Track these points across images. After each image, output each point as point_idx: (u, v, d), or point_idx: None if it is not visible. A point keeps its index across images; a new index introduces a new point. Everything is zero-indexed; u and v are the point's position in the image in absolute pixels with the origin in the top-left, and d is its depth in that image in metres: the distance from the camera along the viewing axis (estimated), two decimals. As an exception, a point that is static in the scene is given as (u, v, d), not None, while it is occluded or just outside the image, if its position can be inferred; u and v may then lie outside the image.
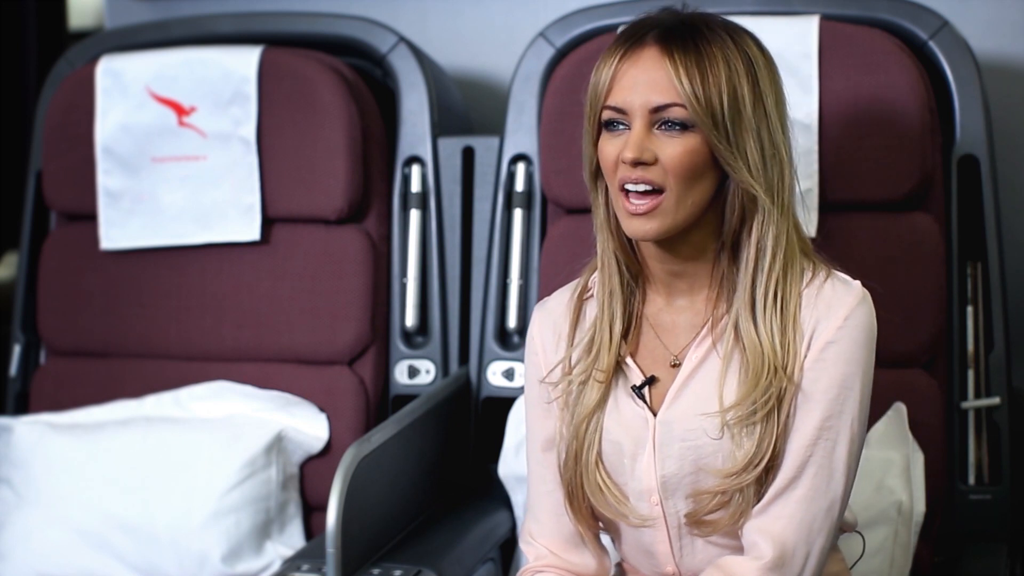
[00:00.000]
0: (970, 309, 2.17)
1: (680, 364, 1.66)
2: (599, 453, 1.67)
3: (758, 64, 1.60)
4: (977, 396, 2.16)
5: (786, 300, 1.61)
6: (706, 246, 1.64)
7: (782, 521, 1.60)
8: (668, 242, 1.63)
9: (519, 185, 2.36)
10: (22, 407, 2.55)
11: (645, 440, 1.65)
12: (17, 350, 2.58)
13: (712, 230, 1.63)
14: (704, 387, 1.63)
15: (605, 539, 1.79)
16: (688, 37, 1.58)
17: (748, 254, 1.61)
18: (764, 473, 1.60)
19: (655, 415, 1.65)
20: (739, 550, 1.65)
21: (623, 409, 1.67)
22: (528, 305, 2.33)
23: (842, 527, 1.71)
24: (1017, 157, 2.43)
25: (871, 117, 2.11)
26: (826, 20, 2.15)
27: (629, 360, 1.67)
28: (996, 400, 2.14)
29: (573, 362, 1.70)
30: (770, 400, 1.59)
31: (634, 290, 1.69)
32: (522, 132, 2.36)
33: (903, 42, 2.17)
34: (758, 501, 1.61)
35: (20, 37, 3.87)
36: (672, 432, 1.63)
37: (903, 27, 2.19)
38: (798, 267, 1.63)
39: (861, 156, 2.11)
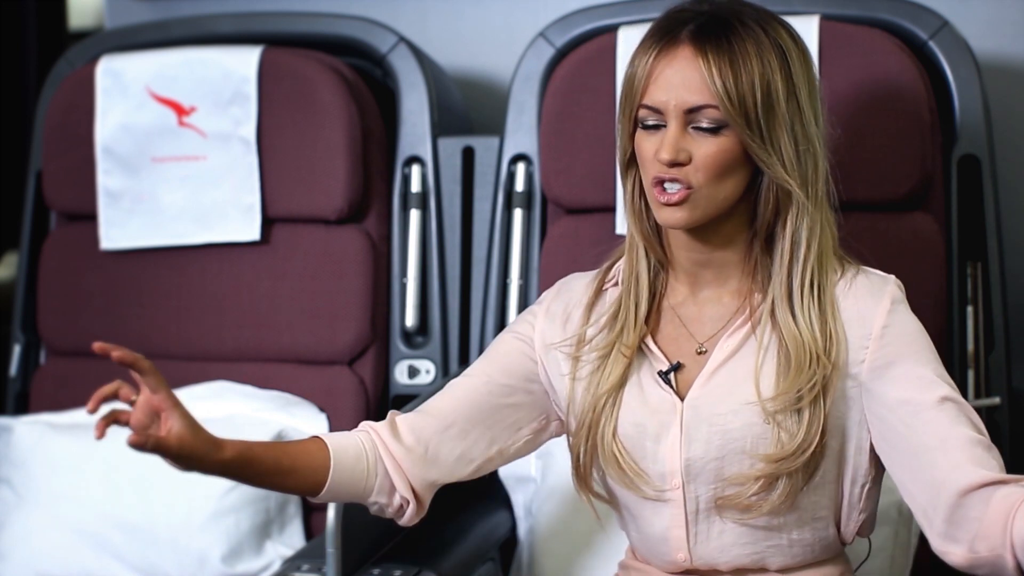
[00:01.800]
0: (970, 309, 2.17)
1: (706, 351, 1.67)
2: (616, 427, 1.68)
3: (791, 56, 1.62)
4: (977, 396, 2.16)
5: (823, 289, 1.64)
6: (737, 236, 1.66)
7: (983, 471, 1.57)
8: (698, 231, 1.65)
9: (519, 185, 2.36)
10: (22, 407, 2.55)
11: (671, 423, 1.65)
12: (17, 350, 2.58)
13: (744, 220, 1.65)
14: (738, 374, 1.64)
15: (611, 533, 1.79)
16: (721, 34, 1.59)
17: (783, 246, 1.64)
18: (811, 458, 1.61)
19: (682, 400, 1.66)
20: (757, 536, 1.66)
21: (648, 393, 1.68)
22: (528, 305, 2.32)
23: (858, 532, 1.72)
24: (1017, 157, 2.43)
25: (871, 117, 2.11)
26: (826, 20, 2.15)
27: (652, 345, 1.69)
28: (996, 400, 2.14)
29: (589, 336, 1.71)
30: (815, 386, 1.60)
31: (659, 274, 1.71)
32: (522, 132, 2.36)
33: (903, 42, 2.17)
34: (806, 484, 1.62)
35: (20, 37, 3.87)
36: (700, 415, 1.64)
37: (903, 27, 2.19)
38: (832, 260, 1.66)
39: (861, 156, 2.11)
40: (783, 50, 1.61)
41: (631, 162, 1.67)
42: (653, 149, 1.61)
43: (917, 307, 2.07)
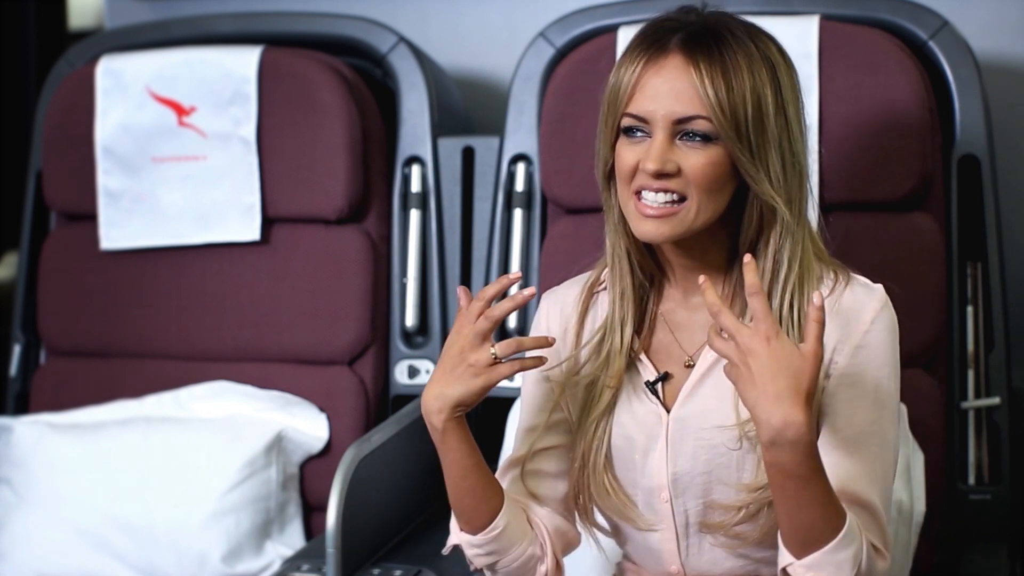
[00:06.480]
0: (970, 309, 2.17)
1: (694, 365, 1.65)
2: (607, 455, 1.66)
3: (780, 70, 1.58)
4: (977, 396, 2.16)
5: (802, 310, 1.59)
6: (719, 253, 1.63)
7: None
8: (681, 245, 1.62)
9: (519, 185, 2.36)
10: (22, 407, 2.55)
11: (658, 436, 1.64)
12: (17, 350, 2.58)
13: (725, 238, 1.62)
14: (718, 388, 1.62)
15: (606, 541, 1.78)
16: (712, 44, 1.55)
17: (765, 266, 1.59)
18: None
19: (668, 412, 1.64)
20: (750, 550, 1.64)
21: (636, 405, 1.66)
22: (528, 305, 2.33)
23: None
24: (1017, 157, 2.43)
25: (871, 117, 2.11)
26: (826, 20, 2.15)
27: (644, 356, 1.67)
28: (996, 400, 2.14)
29: (581, 361, 1.69)
30: None
31: (647, 289, 1.67)
32: (522, 132, 2.36)
33: (903, 42, 2.17)
34: None
35: (20, 37, 3.87)
36: (686, 429, 1.63)
37: (903, 27, 2.19)
38: (815, 275, 1.61)
39: (861, 156, 2.11)
40: (772, 64, 1.57)
41: (612, 173, 1.62)
42: (635, 159, 1.57)
43: (917, 307, 2.09)
